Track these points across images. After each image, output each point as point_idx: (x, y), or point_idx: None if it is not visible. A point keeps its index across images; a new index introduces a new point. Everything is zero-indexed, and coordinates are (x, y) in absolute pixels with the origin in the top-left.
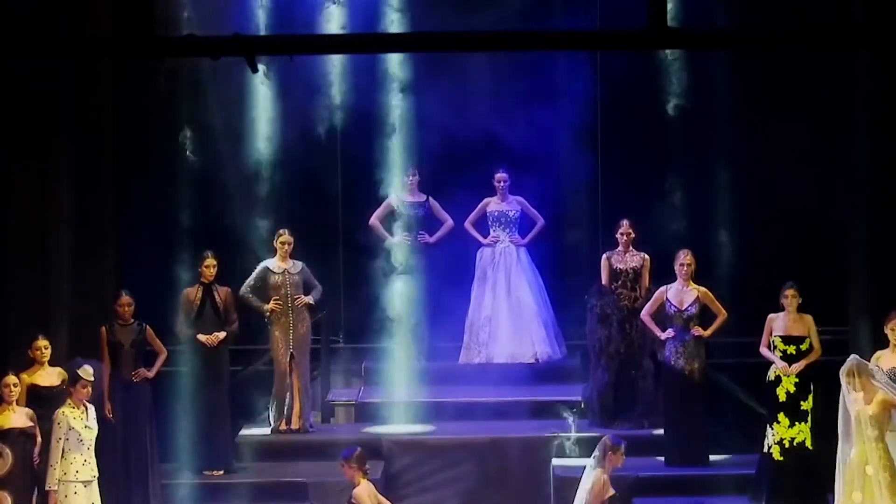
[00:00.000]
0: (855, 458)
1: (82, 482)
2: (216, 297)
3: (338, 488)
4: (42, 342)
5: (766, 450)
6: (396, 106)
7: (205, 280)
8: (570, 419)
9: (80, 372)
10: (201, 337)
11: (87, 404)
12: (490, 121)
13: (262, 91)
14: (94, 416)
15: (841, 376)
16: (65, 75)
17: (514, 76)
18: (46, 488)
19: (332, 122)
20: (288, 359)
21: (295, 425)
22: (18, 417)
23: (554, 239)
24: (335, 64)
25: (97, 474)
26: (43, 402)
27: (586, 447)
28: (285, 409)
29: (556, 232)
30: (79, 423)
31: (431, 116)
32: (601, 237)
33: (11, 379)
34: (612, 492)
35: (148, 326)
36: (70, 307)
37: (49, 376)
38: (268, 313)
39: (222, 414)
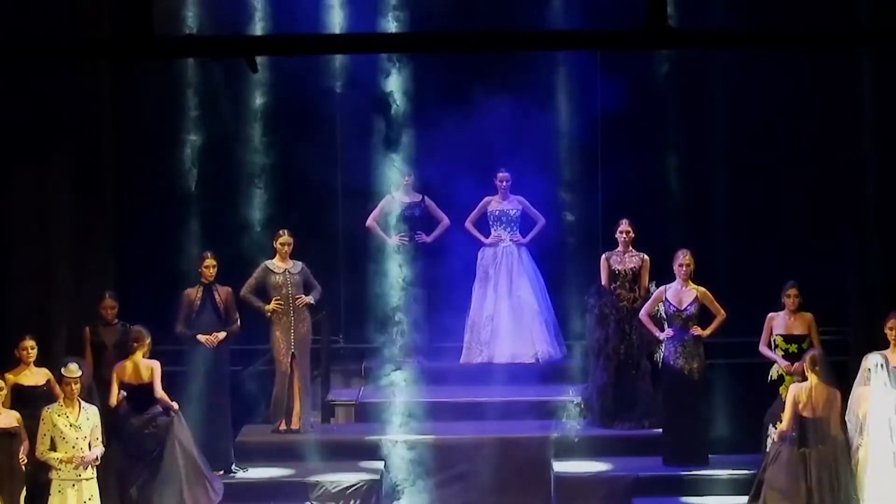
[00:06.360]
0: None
1: (68, 480)
2: (216, 297)
3: (338, 488)
4: (29, 342)
5: (768, 449)
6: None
7: (205, 280)
8: (571, 419)
9: (62, 370)
10: (201, 337)
11: (83, 403)
12: (490, 119)
13: (261, 91)
14: (89, 416)
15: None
16: (65, 76)
17: (514, 77)
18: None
19: (331, 121)
20: (289, 359)
21: (295, 425)
22: (4, 418)
23: (553, 238)
24: (335, 63)
25: (83, 475)
26: (27, 401)
27: (586, 447)
28: (285, 409)
29: (555, 231)
30: (63, 420)
31: (430, 117)
32: (601, 237)
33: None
34: None
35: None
36: (70, 307)
37: (34, 376)
38: (269, 313)
39: (223, 414)
